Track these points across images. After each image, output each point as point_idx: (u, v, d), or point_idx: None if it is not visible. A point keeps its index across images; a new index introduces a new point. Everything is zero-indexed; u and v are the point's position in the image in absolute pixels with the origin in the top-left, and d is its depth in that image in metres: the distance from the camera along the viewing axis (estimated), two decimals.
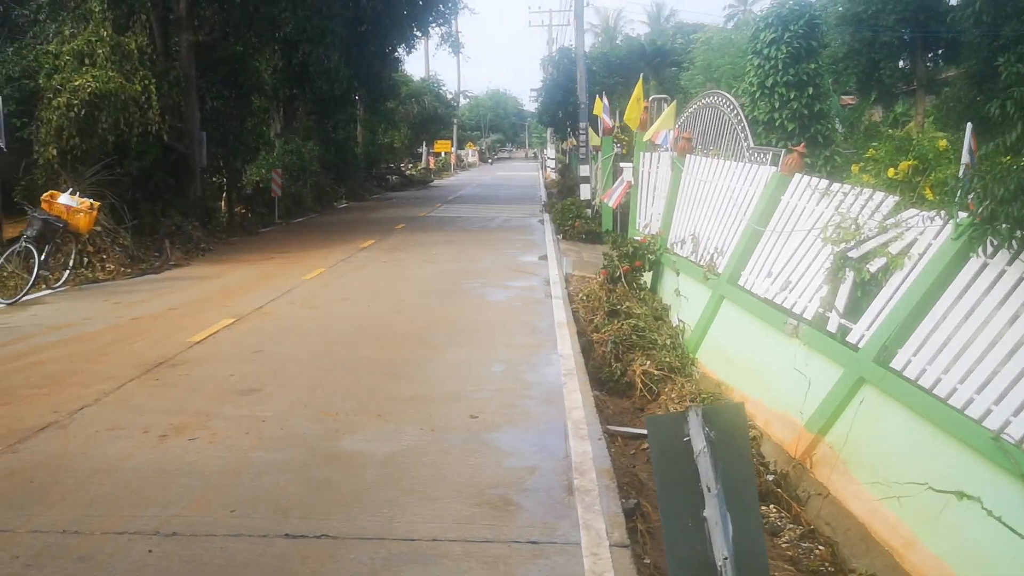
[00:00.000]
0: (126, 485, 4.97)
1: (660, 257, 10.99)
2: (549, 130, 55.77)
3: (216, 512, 4.60)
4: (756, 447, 6.97)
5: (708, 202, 9.77)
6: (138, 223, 15.53)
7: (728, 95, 11.13)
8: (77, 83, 13.87)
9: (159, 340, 8.75)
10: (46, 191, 12.61)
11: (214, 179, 20.83)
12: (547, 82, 38.89)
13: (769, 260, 7.69)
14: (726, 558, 2.56)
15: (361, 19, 25.08)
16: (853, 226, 6.46)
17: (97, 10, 15.17)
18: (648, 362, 8.34)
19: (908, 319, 5.32)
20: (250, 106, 21.28)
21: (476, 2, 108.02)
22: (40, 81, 14.34)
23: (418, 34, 32.39)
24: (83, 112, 13.81)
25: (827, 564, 5.02)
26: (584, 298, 11.14)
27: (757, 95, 13.79)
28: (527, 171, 63.20)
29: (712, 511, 2.62)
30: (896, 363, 5.25)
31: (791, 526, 5.50)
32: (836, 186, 7.13)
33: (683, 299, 9.83)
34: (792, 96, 13.41)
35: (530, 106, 65.04)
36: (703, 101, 12.16)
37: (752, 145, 10.17)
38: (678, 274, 10.14)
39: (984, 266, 4.83)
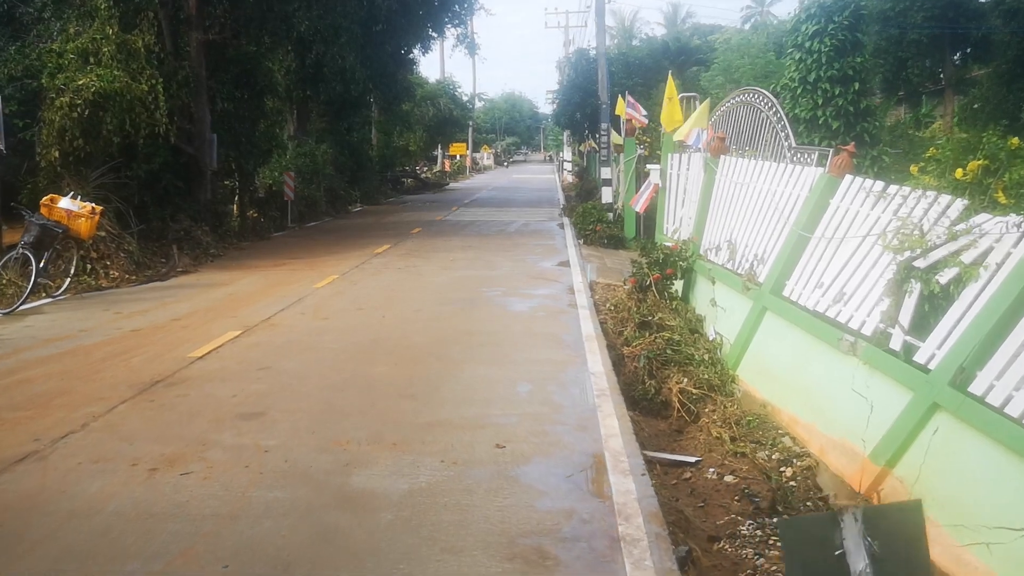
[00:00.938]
0: (105, 532, 4.33)
1: (693, 264, 10.32)
2: (566, 132, 55.17)
3: (206, 568, 3.96)
4: (812, 477, 6.32)
5: (746, 206, 9.10)
6: (145, 228, 15.07)
7: (766, 92, 10.43)
8: (81, 82, 13.39)
9: (158, 355, 8.17)
10: (48, 195, 12.10)
11: (225, 182, 20.40)
12: (564, 83, 38.58)
13: (818, 269, 7.04)
14: None
15: (376, 19, 24.48)
16: (917, 232, 5.79)
17: (103, 7, 14.67)
18: (685, 379, 7.74)
19: (988, 337, 4.68)
20: (262, 107, 20.80)
21: (492, 3, 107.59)
22: (43, 80, 13.87)
23: (433, 35, 31.92)
24: (87, 112, 13.35)
25: None
26: (612, 308, 10.51)
27: (799, 91, 13.06)
28: (543, 174, 62.79)
29: None
30: (976, 388, 4.62)
31: None
32: (893, 188, 6.45)
33: (720, 310, 9.15)
34: (837, 92, 12.66)
35: (545, 108, 64.91)
36: (738, 99, 11.46)
37: (794, 145, 9.50)
38: (713, 283, 9.47)
39: None
